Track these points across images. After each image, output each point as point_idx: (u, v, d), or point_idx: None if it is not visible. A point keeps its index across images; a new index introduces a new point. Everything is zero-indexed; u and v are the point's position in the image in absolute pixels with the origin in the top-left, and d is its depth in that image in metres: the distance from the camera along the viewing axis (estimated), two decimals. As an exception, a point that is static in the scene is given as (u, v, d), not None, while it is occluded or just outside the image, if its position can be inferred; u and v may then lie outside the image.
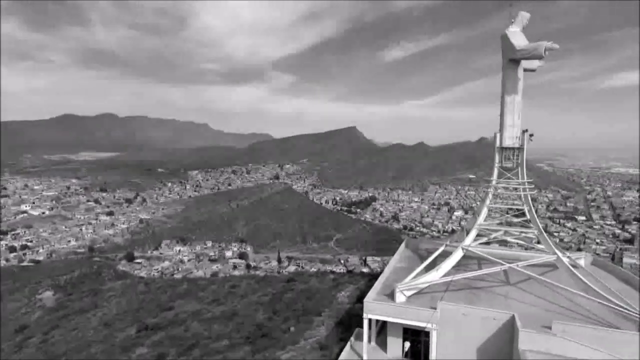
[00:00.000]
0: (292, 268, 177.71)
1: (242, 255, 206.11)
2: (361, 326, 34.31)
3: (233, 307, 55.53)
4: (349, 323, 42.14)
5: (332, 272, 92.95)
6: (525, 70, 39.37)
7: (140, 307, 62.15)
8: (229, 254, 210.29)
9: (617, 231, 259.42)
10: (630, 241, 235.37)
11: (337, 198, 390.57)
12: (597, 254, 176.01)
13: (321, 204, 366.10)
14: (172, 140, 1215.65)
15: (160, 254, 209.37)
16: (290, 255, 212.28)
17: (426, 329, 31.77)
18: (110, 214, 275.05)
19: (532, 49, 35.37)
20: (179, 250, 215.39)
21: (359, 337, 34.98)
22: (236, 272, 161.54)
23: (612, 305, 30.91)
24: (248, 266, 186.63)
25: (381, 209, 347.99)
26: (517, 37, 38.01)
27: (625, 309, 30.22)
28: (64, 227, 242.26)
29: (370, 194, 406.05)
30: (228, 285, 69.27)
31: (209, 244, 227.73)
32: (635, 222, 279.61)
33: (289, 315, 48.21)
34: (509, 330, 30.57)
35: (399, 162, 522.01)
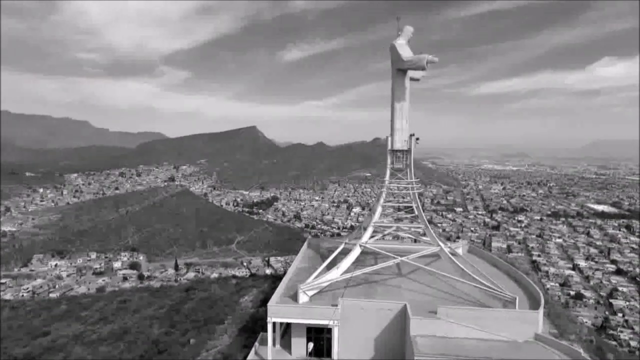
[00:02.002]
0: (191, 275, 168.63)
1: (133, 266, 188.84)
2: (266, 330, 34.03)
3: (124, 324, 50.49)
4: (253, 328, 41.43)
5: (235, 276, 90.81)
6: (410, 79, 43.09)
7: (6, 335, 52.71)
8: (117, 265, 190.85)
9: (487, 219, 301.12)
10: (497, 227, 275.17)
11: (238, 199, 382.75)
12: (472, 241, 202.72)
13: (221, 205, 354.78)
14: (44, 140, 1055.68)
15: (31, 270, 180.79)
16: (189, 261, 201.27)
17: (329, 326, 32.83)
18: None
19: (416, 60, 38.84)
20: (55, 265, 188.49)
21: (264, 342, 34.63)
22: (127, 285, 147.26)
23: (484, 288, 35.54)
24: (141, 277, 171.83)
25: (283, 209, 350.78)
26: (404, 49, 41.40)
27: (495, 290, 35.02)
28: None
29: (272, 194, 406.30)
30: (117, 301, 62.84)
31: (93, 255, 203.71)
32: (500, 211, 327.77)
33: (188, 327, 45.57)
34: (402, 319, 33.19)
35: (300, 162, 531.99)
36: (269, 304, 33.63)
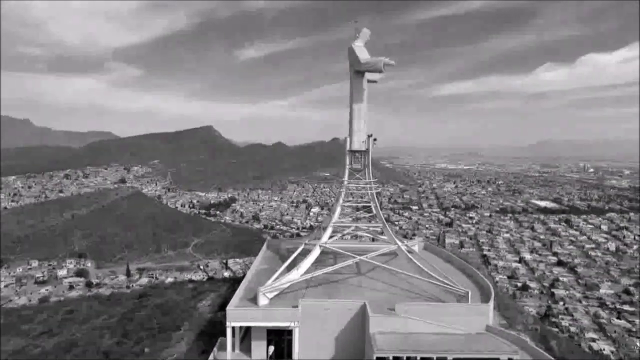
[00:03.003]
0: (144, 281, 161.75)
1: (80, 273, 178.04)
2: (225, 335, 33.31)
3: (71, 336, 47.44)
4: (212, 333, 40.36)
5: (192, 280, 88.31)
6: (368, 81, 43.86)
7: None
8: (62, 272, 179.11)
9: (441, 217, 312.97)
10: (450, 224, 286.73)
11: (195, 201, 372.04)
12: (428, 238, 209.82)
13: (177, 208, 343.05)
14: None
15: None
16: (142, 266, 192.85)
17: (289, 328, 32.68)
18: None
19: (373, 63, 39.61)
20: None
21: (223, 347, 33.90)
22: (73, 294, 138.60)
23: (439, 284, 36.89)
24: (89, 284, 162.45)
25: (241, 210, 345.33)
26: (362, 51, 42.07)
27: (449, 285, 36.44)
28: None
29: (229, 195, 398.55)
30: (63, 311, 58.95)
31: (34, 263, 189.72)
32: (453, 209, 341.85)
33: (142, 335, 43.60)
34: (362, 317, 33.72)
35: (259, 162, 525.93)
36: (228, 307, 32.97)
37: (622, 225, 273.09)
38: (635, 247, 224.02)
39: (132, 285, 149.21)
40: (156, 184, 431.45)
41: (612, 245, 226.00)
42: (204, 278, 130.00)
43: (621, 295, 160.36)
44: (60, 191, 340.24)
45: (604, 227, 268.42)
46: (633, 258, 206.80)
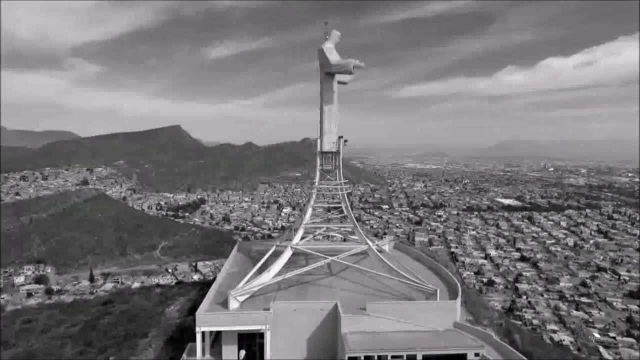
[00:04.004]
0: (109, 286, 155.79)
1: (39, 280, 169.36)
2: (194, 340, 32.60)
3: (29, 347, 45.06)
4: (181, 339, 39.43)
5: (159, 285, 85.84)
6: (338, 82, 44.06)
7: None
8: (20, 280, 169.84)
9: (411, 215, 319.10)
10: (419, 223, 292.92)
11: (162, 203, 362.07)
12: (398, 236, 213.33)
13: (143, 210, 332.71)
14: None
15: None
16: (107, 271, 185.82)
17: (261, 331, 32.38)
18: None
19: (343, 64, 39.84)
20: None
21: (192, 352, 33.14)
22: (32, 302, 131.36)
23: (409, 282, 37.56)
24: (49, 292, 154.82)
25: (211, 211, 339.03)
26: (332, 53, 42.22)
27: (418, 283, 37.17)
28: None
29: (198, 197, 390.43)
30: (20, 321, 55.89)
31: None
32: (422, 207, 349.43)
33: (107, 344, 42.03)
34: (333, 317, 33.85)
35: (228, 163, 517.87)
36: (198, 312, 32.30)
37: (579, 221, 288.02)
38: (591, 241, 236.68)
39: (96, 292, 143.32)
40: (121, 186, 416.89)
41: (570, 241, 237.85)
42: (172, 282, 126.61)
43: (579, 287, 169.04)
44: (17, 194, 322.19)
45: (563, 224, 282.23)
46: (589, 252, 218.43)
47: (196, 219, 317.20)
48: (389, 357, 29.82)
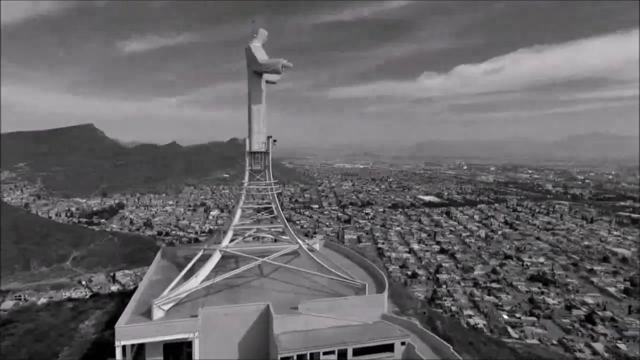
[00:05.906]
0: (9, 304, 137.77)
1: None
2: (114, 356, 30.04)
3: None
4: (98, 355, 36.19)
5: (71, 299, 78.16)
6: (267, 82, 43.62)
7: None
8: None
9: (340, 214, 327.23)
10: (348, 221, 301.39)
11: (73, 209, 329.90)
12: (328, 235, 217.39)
13: (50, 217, 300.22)
14: None
15: None
16: (6, 287, 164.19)
17: (188, 340, 30.86)
18: None
19: (272, 64, 39.51)
20: None
21: (112, 370, 30.53)
22: None
23: (339, 279, 38.40)
24: None
25: (131, 216, 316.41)
26: (259, 52, 41.66)
27: (348, 279, 38.15)
28: None
29: (116, 201, 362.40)
30: None
31: None
32: (351, 206, 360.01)
33: (7, 369, 37.15)
34: (265, 319, 33.42)
35: (150, 164, 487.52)
36: (117, 325, 29.83)
37: (489, 214, 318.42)
38: (499, 232, 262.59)
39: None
40: (22, 191, 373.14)
41: (482, 232, 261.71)
42: (86, 295, 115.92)
43: (490, 274, 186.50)
44: None
45: (476, 217, 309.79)
46: (498, 242, 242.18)
47: (114, 225, 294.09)
48: (321, 354, 30.22)
